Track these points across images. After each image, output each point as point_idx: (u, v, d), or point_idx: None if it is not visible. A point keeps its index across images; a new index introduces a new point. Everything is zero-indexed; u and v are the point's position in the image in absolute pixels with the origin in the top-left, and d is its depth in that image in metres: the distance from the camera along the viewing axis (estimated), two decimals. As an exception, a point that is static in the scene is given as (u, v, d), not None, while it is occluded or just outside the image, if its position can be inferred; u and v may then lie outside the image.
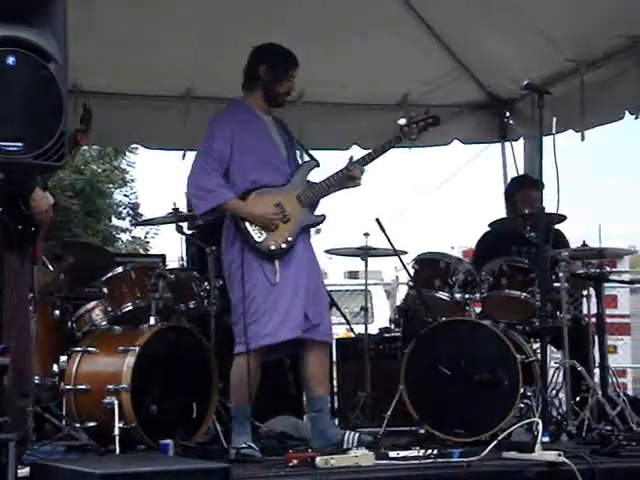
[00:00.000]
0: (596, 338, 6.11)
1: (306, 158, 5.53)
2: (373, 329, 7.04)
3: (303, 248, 5.34)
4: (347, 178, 5.42)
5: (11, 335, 4.48)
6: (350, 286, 12.46)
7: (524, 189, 6.63)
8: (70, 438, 5.15)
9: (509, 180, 7.46)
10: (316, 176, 5.46)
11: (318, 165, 5.50)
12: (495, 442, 4.81)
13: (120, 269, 5.82)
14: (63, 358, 5.59)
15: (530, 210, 6.02)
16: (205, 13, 6.51)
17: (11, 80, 3.62)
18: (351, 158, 5.48)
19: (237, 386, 5.23)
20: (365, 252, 6.44)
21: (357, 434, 5.19)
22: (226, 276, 5.35)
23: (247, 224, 5.24)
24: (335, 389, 6.74)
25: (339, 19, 6.62)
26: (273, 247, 5.24)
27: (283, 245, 5.26)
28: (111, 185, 23.39)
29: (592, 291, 6.09)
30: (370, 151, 5.49)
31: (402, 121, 5.53)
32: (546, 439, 4.89)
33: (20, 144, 3.65)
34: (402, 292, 9.23)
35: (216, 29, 6.63)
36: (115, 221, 24.27)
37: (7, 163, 3.70)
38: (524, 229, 5.90)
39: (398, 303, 8.98)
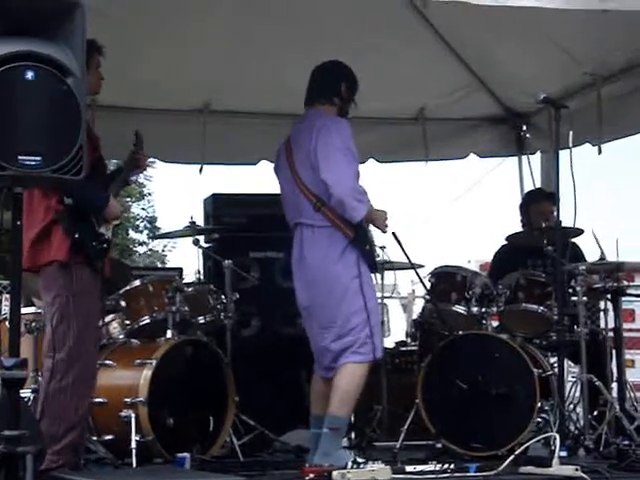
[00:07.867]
0: (614, 352, 6.09)
1: None
2: (389, 343, 7.02)
3: None
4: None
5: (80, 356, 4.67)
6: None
7: (539, 202, 6.62)
8: (87, 451, 5.17)
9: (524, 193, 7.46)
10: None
11: None
12: (512, 457, 4.79)
13: (137, 282, 5.85)
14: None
15: (547, 223, 6.00)
16: (222, 28, 6.53)
17: (30, 95, 3.64)
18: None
19: (355, 394, 5.09)
20: (381, 265, 6.44)
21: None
22: (326, 288, 5.11)
23: (371, 233, 5.26)
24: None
25: (354, 33, 6.62)
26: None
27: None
28: (129, 198, 23.52)
29: (609, 305, 6.07)
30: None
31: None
32: (563, 454, 4.88)
33: (39, 158, 3.66)
34: (418, 306, 9.21)
35: (232, 44, 6.65)
36: (132, 234, 24.41)
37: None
38: (541, 242, 5.90)
39: (414, 317, 8.95)
